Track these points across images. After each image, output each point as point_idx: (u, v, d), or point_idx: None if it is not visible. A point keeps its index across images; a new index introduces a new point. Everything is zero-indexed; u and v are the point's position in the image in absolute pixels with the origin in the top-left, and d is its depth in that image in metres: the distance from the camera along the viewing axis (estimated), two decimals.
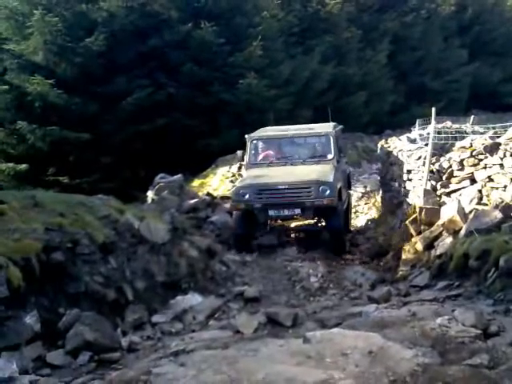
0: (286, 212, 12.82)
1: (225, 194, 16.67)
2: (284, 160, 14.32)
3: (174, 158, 21.65)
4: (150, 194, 14.87)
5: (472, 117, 18.22)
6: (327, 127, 15.07)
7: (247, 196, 12.89)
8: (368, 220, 16.39)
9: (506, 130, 13.48)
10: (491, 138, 13.57)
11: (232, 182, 17.58)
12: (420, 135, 16.43)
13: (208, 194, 16.06)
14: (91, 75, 22.77)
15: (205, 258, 11.79)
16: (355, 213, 17.60)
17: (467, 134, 15.11)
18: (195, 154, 22.57)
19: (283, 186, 12.80)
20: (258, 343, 7.51)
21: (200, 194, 16.55)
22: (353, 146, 28.11)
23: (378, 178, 17.41)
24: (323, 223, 13.69)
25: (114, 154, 22.38)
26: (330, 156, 14.24)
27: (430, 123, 14.99)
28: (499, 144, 12.78)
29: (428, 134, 14.84)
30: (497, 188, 12.46)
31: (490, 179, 12.66)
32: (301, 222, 13.64)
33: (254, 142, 14.60)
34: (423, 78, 34.38)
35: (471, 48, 37.86)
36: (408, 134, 17.77)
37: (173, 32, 24.39)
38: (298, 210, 12.83)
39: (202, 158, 21.73)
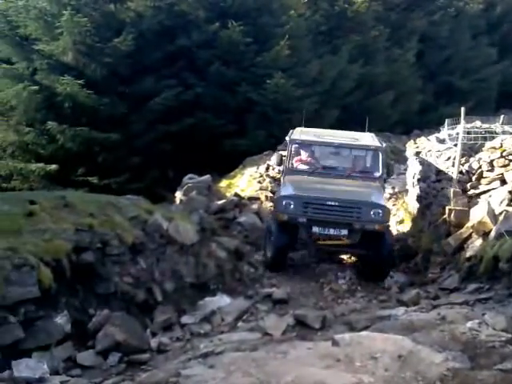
0: (332, 231, 11.64)
1: (252, 194, 16.66)
2: (327, 170, 13.08)
3: (202, 158, 21.65)
4: (179, 195, 14.93)
5: (502, 116, 18.03)
6: (373, 140, 13.79)
7: (291, 207, 11.71)
8: (396, 221, 16.27)
9: None
10: None
11: (260, 182, 17.51)
12: (449, 135, 16.31)
13: (236, 194, 16.04)
14: (120, 75, 22.84)
15: (233, 259, 11.84)
16: None
17: (497, 134, 14.99)
18: (223, 154, 22.54)
19: (332, 203, 11.60)
20: (286, 345, 7.53)
21: (228, 194, 16.55)
22: None
23: (409, 178, 17.21)
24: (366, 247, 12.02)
25: (143, 155, 22.41)
26: (377, 174, 13.04)
27: (458, 123, 14.89)
28: None
29: (457, 134, 14.73)
30: None
31: None
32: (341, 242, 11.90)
33: (296, 145, 13.34)
34: (451, 77, 33.98)
35: (500, 46, 37.35)
36: (437, 134, 17.65)
37: (200, 32, 24.37)
38: (344, 231, 11.60)
39: (229, 158, 21.67)
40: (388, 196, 18.48)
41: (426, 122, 29.09)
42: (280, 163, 13.81)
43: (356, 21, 29.44)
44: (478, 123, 16.18)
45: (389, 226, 12.39)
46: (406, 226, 15.42)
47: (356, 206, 11.64)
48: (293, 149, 13.29)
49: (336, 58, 27.73)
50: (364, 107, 27.95)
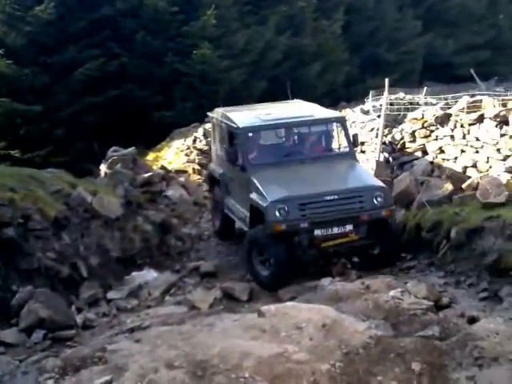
0: (336, 230, 9.84)
1: (180, 167, 16.58)
2: (291, 156, 11.10)
3: (129, 130, 21.41)
4: (103, 168, 14.66)
5: (425, 88, 18.43)
6: (329, 111, 12.33)
7: (287, 213, 9.66)
8: None
9: (456, 101, 13.67)
10: (442, 108, 13.76)
11: (187, 155, 17.42)
12: (373, 107, 16.53)
13: (162, 167, 15.92)
14: (41, 45, 22.31)
15: (160, 232, 11.73)
16: None
17: (420, 105, 15.28)
18: (150, 126, 22.35)
19: (331, 197, 9.79)
20: (213, 318, 7.56)
21: (154, 167, 16.40)
22: None
23: None
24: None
25: (67, 127, 22.00)
26: (346, 149, 11.22)
27: (383, 94, 15.10)
28: (450, 115, 12.98)
29: (381, 105, 14.94)
30: (448, 159, 12.68)
31: (441, 151, 12.88)
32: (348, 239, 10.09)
33: (250, 135, 11.07)
34: (378, 49, 34.37)
35: (425, 19, 37.88)
36: (362, 106, 17.86)
37: (124, 0, 23.97)
38: (349, 227, 9.87)
39: (156, 130, 21.47)
40: None
41: (353, 93, 29.35)
42: (234, 159, 11.03)
43: None
44: (401, 95, 16.46)
45: (394, 209, 10.65)
46: None
47: (357, 195, 9.97)
48: (246, 140, 11.03)
49: (263, 29, 27.70)
50: (292, 78, 28.13)
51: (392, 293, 7.78)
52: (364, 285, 8.34)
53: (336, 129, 11.52)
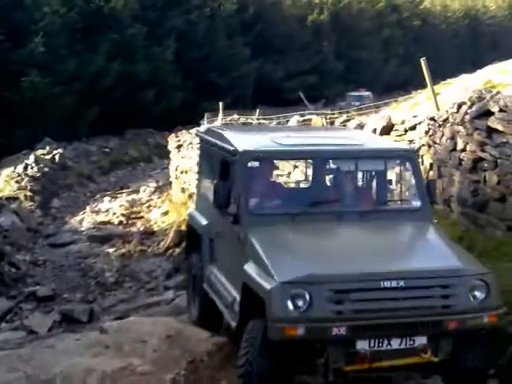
0: (397, 344, 5.36)
1: (11, 194, 16.05)
2: (319, 208, 6.34)
3: None
4: None
5: (258, 110, 19.09)
6: (389, 141, 8.65)
7: (311, 306, 5.12)
8: (161, 213, 16.51)
9: (288, 121, 14.25)
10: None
11: (18, 182, 16.90)
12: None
13: None
14: None
15: None
16: (148, 207, 17.52)
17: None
18: None
19: (393, 283, 5.32)
20: (53, 340, 7.41)
21: None
22: (145, 142, 28.40)
23: (173, 171, 17.54)
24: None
25: None
26: (417, 203, 6.62)
27: (218, 117, 15.48)
28: None
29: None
30: (281, 175, 13.10)
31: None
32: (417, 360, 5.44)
33: (256, 164, 6.42)
34: (210, 74, 35.24)
35: (254, 46, 39.29)
36: (198, 128, 18.13)
37: None
38: (421, 340, 5.37)
39: None
40: (153, 190, 18.65)
41: (189, 117, 29.73)
42: (225, 202, 6.18)
43: (113, 19, 29.54)
44: (236, 116, 16.94)
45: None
46: (172, 216, 15.66)
47: (439, 283, 5.48)
48: (247, 172, 6.36)
49: (94, 56, 27.60)
50: (126, 104, 28.09)
51: None
52: None
53: (405, 170, 6.95)
